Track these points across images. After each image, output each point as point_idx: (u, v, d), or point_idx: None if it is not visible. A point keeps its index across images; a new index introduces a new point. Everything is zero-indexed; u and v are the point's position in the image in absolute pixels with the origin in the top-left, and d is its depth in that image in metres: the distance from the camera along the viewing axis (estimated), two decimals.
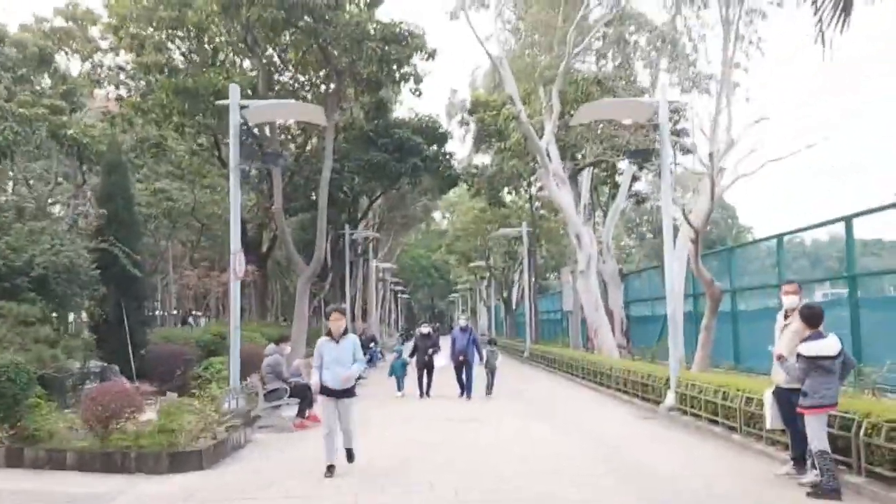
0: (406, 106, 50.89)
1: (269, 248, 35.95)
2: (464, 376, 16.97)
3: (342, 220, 34.71)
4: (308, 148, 33.19)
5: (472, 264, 52.55)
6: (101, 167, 18.01)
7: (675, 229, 20.24)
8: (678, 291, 13.52)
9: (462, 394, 16.82)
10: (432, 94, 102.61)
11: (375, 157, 29.92)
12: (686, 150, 21.59)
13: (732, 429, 10.63)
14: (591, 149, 26.41)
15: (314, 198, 30.31)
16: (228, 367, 12.90)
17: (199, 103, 20.25)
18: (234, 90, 13.29)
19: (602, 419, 13.66)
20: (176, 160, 31.38)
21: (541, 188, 38.66)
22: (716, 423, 11.23)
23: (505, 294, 51.87)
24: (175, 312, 41.57)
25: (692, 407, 12.33)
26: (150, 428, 9.23)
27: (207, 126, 24.92)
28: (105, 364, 16.50)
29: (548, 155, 21.76)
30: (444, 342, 18.10)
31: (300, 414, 12.58)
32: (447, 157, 32.35)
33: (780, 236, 17.52)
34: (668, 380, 13.52)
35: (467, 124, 36.64)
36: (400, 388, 17.87)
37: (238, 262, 13.04)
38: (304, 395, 12.63)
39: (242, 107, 13.23)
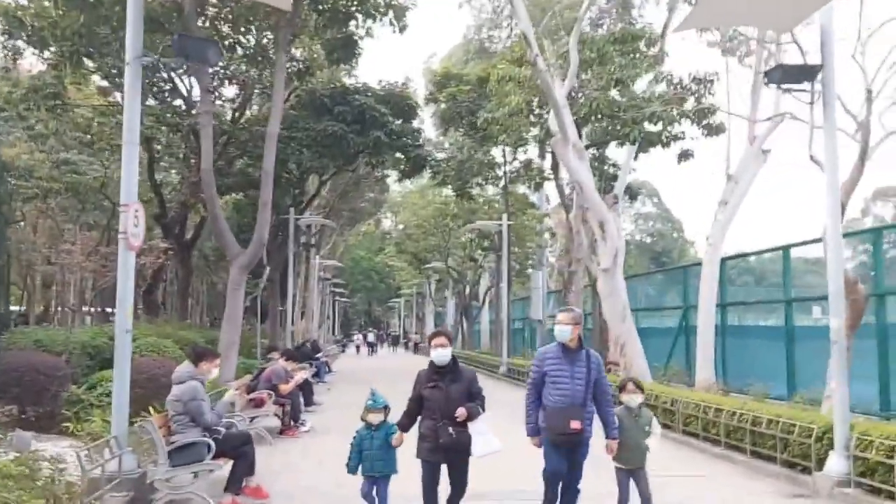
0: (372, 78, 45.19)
1: (194, 235, 30.12)
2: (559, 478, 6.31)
3: (285, 203, 29.12)
4: (247, 114, 27.65)
5: (426, 266, 47.41)
6: None
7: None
8: (840, 293, 8.70)
9: None
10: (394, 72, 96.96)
11: (330, 128, 24.72)
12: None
13: None
14: (596, 127, 21.82)
15: (253, 174, 25.01)
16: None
17: (100, 21, 14.58)
18: None
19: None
20: (83, 123, 25.63)
21: (514, 178, 33.84)
22: None
23: (460, 299, 46.87)
24: (97, 310, 34.88)
25: (884, 482, 7.55)
26: None
27: (120, 71, 19.08)
28: None
29: None
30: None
31: (232, 484, 7.23)
32: (416, 133, 27.17)
33: None
34: (824, 433, 8.52)
35: (435, 101, 31.54)
36: None
37: (133, 222, 7.64)
38: (240, 453, 7.32)
39: None
